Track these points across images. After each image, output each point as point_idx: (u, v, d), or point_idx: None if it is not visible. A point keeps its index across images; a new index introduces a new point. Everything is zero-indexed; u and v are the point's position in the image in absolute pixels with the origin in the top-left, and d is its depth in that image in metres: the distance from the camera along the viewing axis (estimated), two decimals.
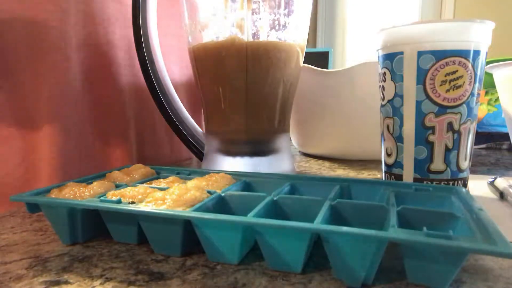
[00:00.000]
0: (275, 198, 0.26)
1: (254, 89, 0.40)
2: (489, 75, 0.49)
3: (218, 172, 0.32)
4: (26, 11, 0.39)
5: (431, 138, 0.32)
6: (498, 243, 0.17)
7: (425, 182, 0.33)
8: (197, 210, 0.23)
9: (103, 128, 0.48)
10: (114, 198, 0.25)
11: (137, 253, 0.24)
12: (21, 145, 0.40)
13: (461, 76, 0.31)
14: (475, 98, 0.32)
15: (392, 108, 0.34)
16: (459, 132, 0.32)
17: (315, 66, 0.58)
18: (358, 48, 2.63)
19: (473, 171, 0.49)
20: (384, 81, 0.35)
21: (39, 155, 0.40)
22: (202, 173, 0.33)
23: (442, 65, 0.31)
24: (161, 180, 0.32)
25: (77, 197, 0.26)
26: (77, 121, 0.44)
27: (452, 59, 0.31)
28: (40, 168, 0.40)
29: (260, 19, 0.38)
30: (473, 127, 0.33)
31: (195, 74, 0.43)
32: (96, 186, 0.28)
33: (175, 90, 0.50)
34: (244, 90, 0.40)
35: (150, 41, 0.47)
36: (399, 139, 0.34)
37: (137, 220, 0.24)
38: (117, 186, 0.29)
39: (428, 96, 0.32)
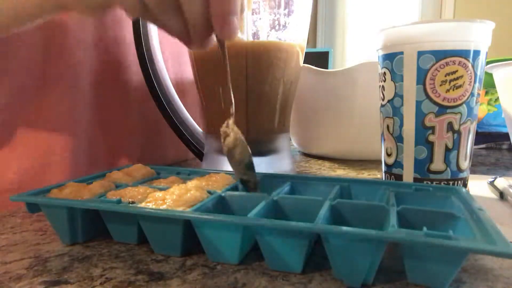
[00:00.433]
0: (275, 198, 0.26)
1: (254, 89, 0.40)
2: (489, 75, 0.49)
3: (218, 172, 0.32)
4: None
5: (431, 138, 0.32)
6: (498, 243, 0.17)
7: (425, 182, 0.33)
8: (197, 210, 0.23)
9: (109, 130, 0.48)
10: (114, 198, 0.25)
11: (137, 253, 0.24)
12: (29, 147, 0.40)
13: (461, 76, 0.31)
14: (475, 98, 0.32)
15: (392, 108, 0.34)
16: (459, 132, 0.32)
17: (315, 66, 0.58)
18: (358, 48, 2.63)
19: (473, 171, 0.49)
20: (384, 81, 0.35)
21: (49, 158, 0.41)
22: (202, 173, 0.33)
23: (442, 65, 0.31)
24: (161, 180, 0.32)
25: (77, 197, 0.26)
26: (86, 123, 0.44)
27: (452, 59, 0.31)
28: (50, 170, 0.41)
29: (260, 19, 0.38)
30: (473, 127, 0.33)
31: (195, 74, 0.43)
32: (96, 186, 0.28)
33: (175, 90, 0.50)
34: (244, 90, 0.40)
35: (150, 41, 0.47)
36: (399, 139, 0.34)
37: (137, 220, 0.24)
38: (117, 186, 0.29)
39: (428, 96, 0.32)
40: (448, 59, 0.31)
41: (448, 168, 0.33)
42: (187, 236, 0.23)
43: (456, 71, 0.31)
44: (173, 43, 0.59)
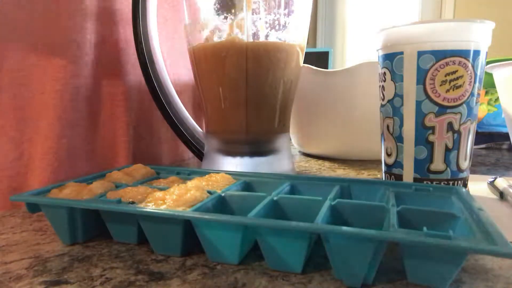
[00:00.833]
0: (275, 198, 0.26)
1: (254, 89, 0.40)
2: (489, 75, 0.49)
3: (218, 172, 0.32)
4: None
5: (431, 138, 0.32)
6: (498, 243, 0.18)
7: (425, 182, 0.33)
8: (197, 210, 0.23)
9: (107, 128, 0.48)
10: (114, 198, 0.25)
11: (137, 253, 0.24)
12: (20, 140, 0.40)
13: (461, 76, 0.31)
14: (475, 98, 0.32)
15: (392, 108, 0.34)
16: (459, 132, 0.32)
17: (315, 66, 0.58)
18: (358, 48, 2.63)
19: (473, 171, 0.49)
20: (384, 81, 0.35)
21: (38, 151, 0.41)
22: (202, 173, 0.33)
23: (442, 65, 0.31)
24: (161, 180, 0.32)
25: (77, 197, 0.26)
26: (85, 123, 0.44)
27: (452, 59, 0.31)
28: (38, 166, 0.40)
29: (260, 19, 0.38)
30: (473, 127, 0.33)
31: (195, 74, 0.43)
32: (96, 186, 0.28)
33: (175, 90, 0.50)
34: (244, 90, 0.40)
35: (150, 41, 0.47)
36: (399, 139, 0.34)
37: (137, 220, 0.24)
38: (117, 186, 0.29)
39: (428, 96, 0.32)
40: (448, 59, 0.31)
41: (448, 168, 0.33)
42: (187, 236, 0.23)
43: (456, 71, 0.31)
44: (173, 43, 0.59)
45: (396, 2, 2.50)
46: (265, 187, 0.31)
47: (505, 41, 1.60)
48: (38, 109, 0.41)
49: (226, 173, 0.32)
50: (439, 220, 0.23)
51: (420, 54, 0.31)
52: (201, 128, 0.52)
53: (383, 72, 0.35)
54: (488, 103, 0.72)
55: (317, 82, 0.57)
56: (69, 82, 0.42)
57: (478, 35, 0.31)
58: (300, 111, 0.61)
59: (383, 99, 0.36)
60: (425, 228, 0.19)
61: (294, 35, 0.41)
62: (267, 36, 0.39)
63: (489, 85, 0.62)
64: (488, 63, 0.39)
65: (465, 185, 0.34)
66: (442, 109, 0.32)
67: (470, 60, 0.31)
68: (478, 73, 0.32)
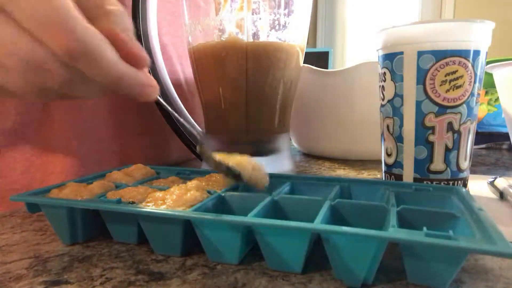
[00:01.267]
0: (275, 198, 0.26)
1: (254, 89, 0.40)
2: (489, 75, 0.49)
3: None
4: None
5: (431, 138, 0.32)
6: (498, 243, 0.17)
7: (425, 182, 0.33)
8: (197, 210, 0.23)
9: (116, 131, 0.48)
10: (114, 198, 0.25)
11: (137, 253, 0.24)
12: (34, 147, 0.40)
13: (461, 76, 0.31)
14: (475, 98, 0.32)
15: (392, 108, 0.34)
16: (459, 132, 0.32)
17: (315, 66, 0.58)
18: (358, 48, 2.63)
19: (473, 171, 0.49)
20: (384, 81, 0.35)
21: (52, 157, 0.41)
22: (202, 173, 0.33)
23: (442, 65, 0.31)
24: (161, 180, 0.32)
25: (77, 197, 0.26)
26: (92, 123, 0.44)
27: (452, 59, 0.31)
28: (53, 171, 0.41)
29: (260, 19, 0.38)
30: (473, 127, 0.33)
31: (195, 74, 0.43)
32: (96, 186, 0.28)
33: (175, 90, 0.50)
34: (244, 90, 0.40)
35: (150, 41, 0.47)
36: (399, 139, 0.34)
37: (137, 220, 0.24)
38: (117, 186, 0.29)
39: (428, 96, 0.32)
40: (448, 59, 0.31)
41: (448, 168, 0.33)
42: (187, 236, 0.23)
43: (456, 71, 0.31)
44: (173, 43, 0.59)
45: (396, 2, 2.50)
46: (266, 187, 0.31)
47: (505, 41, 1.60)
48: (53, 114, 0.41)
49: None
50: (439, 220, 0.23)
51: (420, 54, 0.31)
52: (201, 128, 0.52)
53: (383, 72, 0.35)
54: (488, 103, 0.72)
55: (317, 82, 0.57)
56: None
57: (478, 35, 0.31)
58: (300, 111, 0.61)
59: (383, 99, 0.36)
60: (425, 228, 0.19)
61: (294, 35, 0.40)
62: (267, 36, 0.39)
63: (489, 85, 0.62)
64: (488, 63, 0.39)
65: (465, 185, 0.34)
66: (442, 109, 0.32)
67: (470, 60, 0.31)
68: (478, 73, 0.32)
